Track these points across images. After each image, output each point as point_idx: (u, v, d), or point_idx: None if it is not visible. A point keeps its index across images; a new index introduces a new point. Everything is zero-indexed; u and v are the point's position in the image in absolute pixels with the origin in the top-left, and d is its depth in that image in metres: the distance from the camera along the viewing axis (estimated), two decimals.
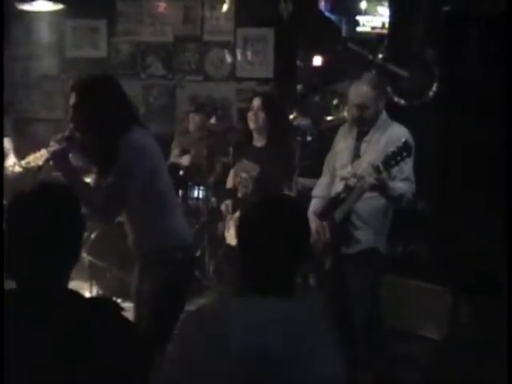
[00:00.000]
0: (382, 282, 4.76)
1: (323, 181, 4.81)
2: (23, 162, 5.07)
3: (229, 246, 5.35)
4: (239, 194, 5.23)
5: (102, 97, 3.51)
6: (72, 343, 2.07)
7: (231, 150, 5.89)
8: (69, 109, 3.57)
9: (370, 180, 4.07)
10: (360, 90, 4.41)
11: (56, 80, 8.38)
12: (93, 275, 6.01)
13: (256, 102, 5.11)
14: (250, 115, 5.11)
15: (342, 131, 4.75)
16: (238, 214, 5.16)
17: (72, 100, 3.52)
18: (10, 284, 2.23)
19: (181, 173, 6.75)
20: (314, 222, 4.42)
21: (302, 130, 4.85)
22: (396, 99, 6.11)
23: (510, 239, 4.37)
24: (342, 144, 4.65)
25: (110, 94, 3.56)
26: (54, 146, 3.53)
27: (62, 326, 2.09)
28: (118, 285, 6.02)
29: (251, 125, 5.13)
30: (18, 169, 5.15)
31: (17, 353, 2.04)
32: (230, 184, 5.51)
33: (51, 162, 3.62)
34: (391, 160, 4.02)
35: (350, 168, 4.46)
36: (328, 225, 4.40)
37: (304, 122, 4.87)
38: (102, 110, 3.49)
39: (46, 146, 4.52)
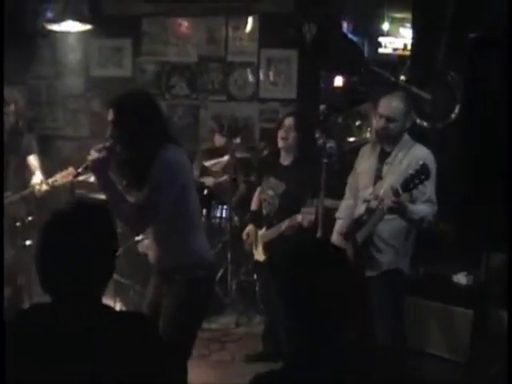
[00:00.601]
0: (404, 304, 4.78)
1: (346, 202, 4.85)
2: (50, 181, 5.17)
3: (257, 261, 5.41)
4: (264, 212, 5.28)
5: (138, 113, 3.57)
6: (105, 356, 2.13)
7: (257, 168, 5.92)
8: (108, 124, 3.64)
9: (388, 203, 4.10)
10: (391, 103, 4.46)
11: (81, 98, 8.51)
12: (117, 292, 6.07)
13: (288, 121, 5.11)
14: (282, 133, 5.10)
15: (364, 152, 4.78)
16: (264, 230, 5.23)
17: (110, 116, 3.60)
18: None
19: (205, 192, 6.80)
20: (338, 242, 4.52)
21: (328, 151, 4.85)
22: (418, 121, 6.12)
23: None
24: (364, 165, 4.68)
25: (146, 111, 3.61)
26: (93, 155, 3.58)
27: (96, 340, 2.15)
28: (142, 301, 6.07)
29: (281, 143, 5.13)
30: (44, 187, 5.25)
31: (50, 365, 2.10)
32: (254, 206, 5.55)
33: (90, 171, 3.70)
34: (410, 183, 4.04)
35: (371, 189, 4.49)
36: (351, 246, 4.45)
37: (330, 143, 4.86)
38: (137, 127, 3.55)
39: (69, 163, 4.63)
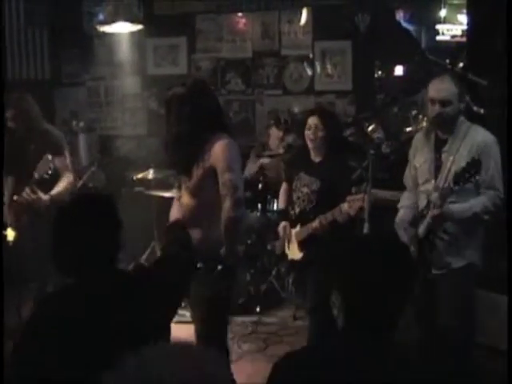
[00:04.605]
0: (476, 297, 4.57)
1: (407, 193, 4.65)
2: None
3: (293, 260, 5.30)
4: (297, 210, 5.17)
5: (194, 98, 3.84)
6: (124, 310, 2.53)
7: (285, 165, 5.85)
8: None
9: (434, 212, 4.05)
10: (442, 85, 4.24)
11: (138, 97, 8.62)
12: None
13: (312, 121, 4.97)
14: (309, 135, 4.99)
15: (417, 141, 4.54)
16: (298, 228, 5.14)
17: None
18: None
19: (260, 186, 6.80)
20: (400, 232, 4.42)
21: (377, 142, 4.74)
22: (475, 108, 5.98)
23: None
24: (420, 158, 4.47)
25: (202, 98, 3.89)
26: None
27: (116, 297, 2.58)
28: None
29: (310, 144, 5.03)
30: None
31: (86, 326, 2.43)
32: (282, 204, 5.44)
33: None
34: (460, 178, 3.94)
35: (433, 182, 4.26)
36: (414, 242, 4.25)
37: (378, 134, 4.75)
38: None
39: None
